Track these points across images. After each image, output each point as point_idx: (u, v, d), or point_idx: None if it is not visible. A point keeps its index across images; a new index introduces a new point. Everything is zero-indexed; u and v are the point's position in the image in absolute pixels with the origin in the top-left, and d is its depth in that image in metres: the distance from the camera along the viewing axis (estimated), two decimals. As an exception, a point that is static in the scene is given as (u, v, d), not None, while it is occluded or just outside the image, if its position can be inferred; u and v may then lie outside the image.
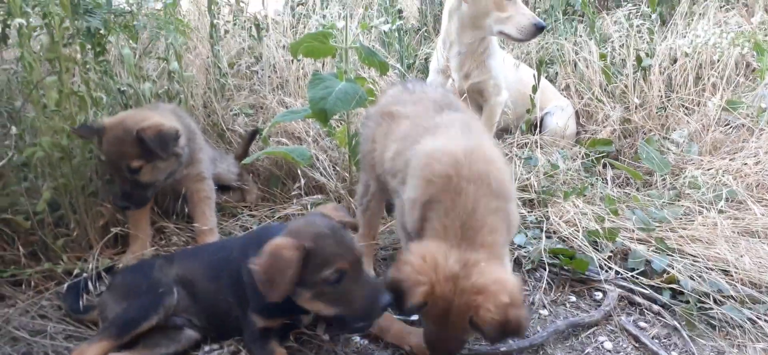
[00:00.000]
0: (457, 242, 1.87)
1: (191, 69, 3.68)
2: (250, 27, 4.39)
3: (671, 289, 2.54)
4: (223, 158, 3.35)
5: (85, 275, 2.43)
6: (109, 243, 2.75)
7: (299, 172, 3.24)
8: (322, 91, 2.87)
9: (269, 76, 4.00)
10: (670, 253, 2.71)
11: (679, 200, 3.25)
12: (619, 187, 3.54)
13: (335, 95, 2.86)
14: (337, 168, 3.38)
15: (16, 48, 2.52)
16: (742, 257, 2.66)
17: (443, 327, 1.88)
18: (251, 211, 3.26)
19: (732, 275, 2.57)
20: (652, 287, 2.58)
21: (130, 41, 3.24)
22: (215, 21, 3.95)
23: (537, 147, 3.74)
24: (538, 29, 3.58)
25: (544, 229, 2.94)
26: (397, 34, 4.23)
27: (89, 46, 2.79)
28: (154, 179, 2.68)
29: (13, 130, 2.55)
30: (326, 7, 4.80)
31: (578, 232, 2.88)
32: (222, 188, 3.29)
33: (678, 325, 2.40)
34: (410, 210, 2.03)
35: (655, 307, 2.50)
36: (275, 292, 1.82)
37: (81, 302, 2.33)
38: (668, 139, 3.82)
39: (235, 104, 3.79)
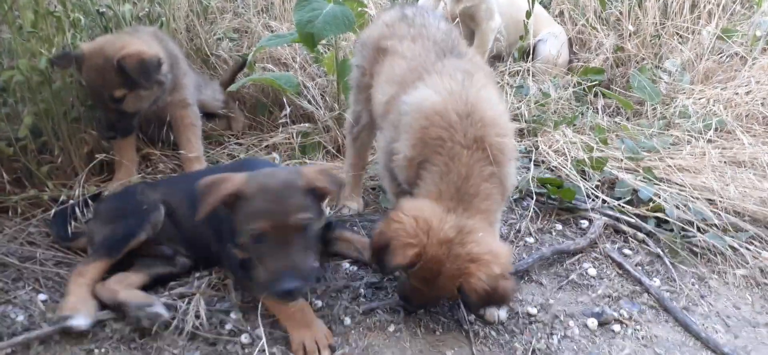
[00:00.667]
0: (453, 206, 1.86)
1: (175, -10, 3.53)
2: (234, -54, 4.20)
3: (656, 217, 2.57)
4: (208, 85, 3.28)
5: (71, 201, 2.41)
6: (94, 170, 2.71)
7: (285, 100, 3.18)
8: (309, 14, 2.78)
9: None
10: (657, 182, 2.73)
11: (668, 130, 3.25)
12: (610, 116, 3.53)
13: (323, 18, 2.77)
14: (325, 96, 3.32)
15: (-13, -34, 2.39)
16: (727, 185, 2.68)
17: (430, 287, 1.89)
18: (238, 139, 3.21)
19: (717, 204, 2.61)
20: (637, 215, 2.61)
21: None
22: (197, -61, 3.77)
23: (529, 75, 3.69)
24: None
25: (533, 158, 2.94)
26: (387, -44, 4.07)
27: (64, -35, 2.66)
28: (137, 107, 2.63)
29: (-11, 53, 2.46)
30: (313, -74, 4.57)
31: (567, 161, 2.88)
32: (208, 115, 3.23)
33: (661, 252, 2.44)
34: (405, 167, 2.01)
35: (640, 235, 2.54)
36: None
37: (69, 229, 2.32)
38: (661, 68, 3.78)
39: (219, 28, 3.67)
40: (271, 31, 3.66)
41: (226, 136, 3.25)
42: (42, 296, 2.07)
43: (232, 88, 3.30)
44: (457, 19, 3.61)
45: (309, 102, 3.30)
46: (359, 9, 3.18)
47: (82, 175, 2.58)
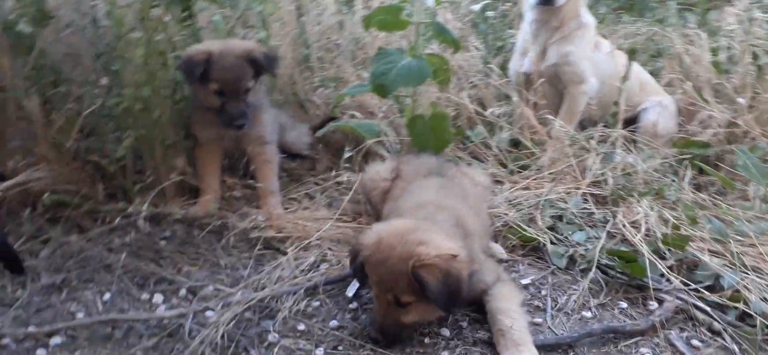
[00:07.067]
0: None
1: (281, 39, 3.82)
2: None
3: (738, 308, 2.27)
4: (295, 126, 3.48)
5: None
6: (180, 193, 2.98)
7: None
8: (384, 66, 2.89)
9: (352, 51, 4.07)
10: (746, 271, 2.42)
11: (771, 216, 2.86)
12: (711, 195, 3.16)
13: (397, 71, 2.87)
14: (402, 145, 3.37)
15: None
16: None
17: (382, 274, 1.95)
18: (315, 179, 3.36)
19: (813, 304, 2.24)
20: (716, 304, 2.32)
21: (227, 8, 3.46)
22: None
23: (625, 143, 3.45)
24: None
25: (608, 229, 2.75)
26: (483, 15, 4.10)
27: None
28: (254, 99, 2.89)
29: (104, 80, 2.84)
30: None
31: (645, 235, 2.65)
32: (293, 156, 3.43)
33: (737, 350, 2.14)
34: None
35: (716, 325, 2.25)
36: None
37: None
38: (775, 147, 3.35)
39: (317, 76, 3.90)
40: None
41: (307, 175, 3.41)
42: (106, 297, 2.30)
43: (319, 133, 3.48)
44: (543, 80, 3.50)
45: (387, 150, 3.38)
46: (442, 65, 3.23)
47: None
